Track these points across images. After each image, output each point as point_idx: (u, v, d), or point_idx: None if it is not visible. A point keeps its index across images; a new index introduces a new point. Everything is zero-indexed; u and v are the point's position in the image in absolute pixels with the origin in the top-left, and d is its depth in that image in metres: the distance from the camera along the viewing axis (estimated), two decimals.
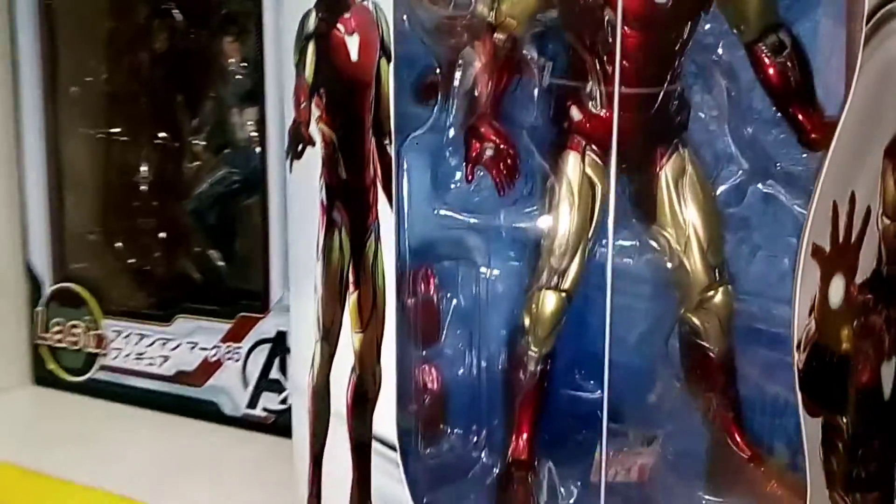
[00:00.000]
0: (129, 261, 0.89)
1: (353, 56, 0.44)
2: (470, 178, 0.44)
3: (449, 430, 0.48)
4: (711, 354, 0.47)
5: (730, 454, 0.47)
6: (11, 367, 0.93)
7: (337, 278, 0.46)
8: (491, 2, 0.45)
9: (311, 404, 0.50)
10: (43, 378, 0.93)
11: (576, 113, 0.45)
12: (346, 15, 0.44)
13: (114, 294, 0.88)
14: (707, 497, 0.48)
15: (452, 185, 0.45)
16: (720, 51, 0.47)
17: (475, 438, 0.48)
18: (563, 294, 0.46)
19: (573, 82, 0.45)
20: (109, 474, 0.67)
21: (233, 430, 0.78)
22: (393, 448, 0.43)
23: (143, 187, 0.90)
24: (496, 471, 0.47)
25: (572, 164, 0.45)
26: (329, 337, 0.47)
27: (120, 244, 0.90)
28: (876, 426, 0.45)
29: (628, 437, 0.48)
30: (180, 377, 0.83)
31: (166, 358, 0.84)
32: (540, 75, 0.46)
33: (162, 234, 0.88)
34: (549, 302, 0.45)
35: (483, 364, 0.48)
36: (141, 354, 0.86)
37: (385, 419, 0.43)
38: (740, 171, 0.47)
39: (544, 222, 0.45)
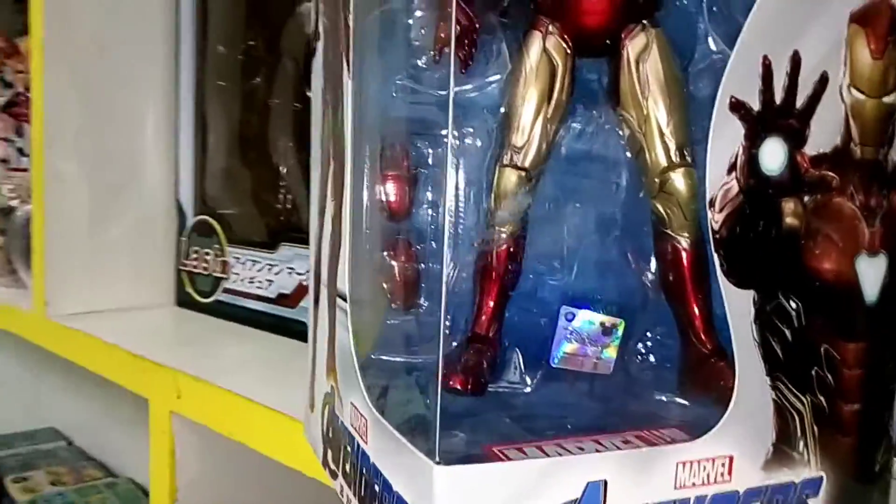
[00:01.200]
0: (251, 195, 1.00)
1: None
2: (437, 58, 0.47)
3: (421, 301, 0.50)
4: (679, 245, 0.45)
5: (696, 351, 0.46)
6: (160, 289, 1.08)
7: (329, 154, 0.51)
8: None
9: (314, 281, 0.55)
10: (183, 300, 1.07)
11: None
12: None
13: (236, 225, 1.00)
14: (669, 394, 0.46)
15: (419, 62, 0.48)
16: None
17: (445, 314, 0.50)
18: (523, 172, 0.47)
19: None
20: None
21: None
22: (345, 299, 0.46)
23: (270, 133, 1.01)
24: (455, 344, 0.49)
25: (534, 43, 0.46)
26: (323, 212, 0.52)
27: (246, 180, 1.01)
28: (851, 328, 0.41)
29: (592, 327, 0.48)
30: (281, 299, 0.92)
31: (271, 282, 0.93)
32: None
33: (282, 169, 0.97)
34: (508, 179, 0.47)
35: (457, 240, 0.50)
36: (252, 279, 0.96)
37: (343, 275, 0.47)
38: (715, 53, 0.45)
39: (505, 99, 0.47)
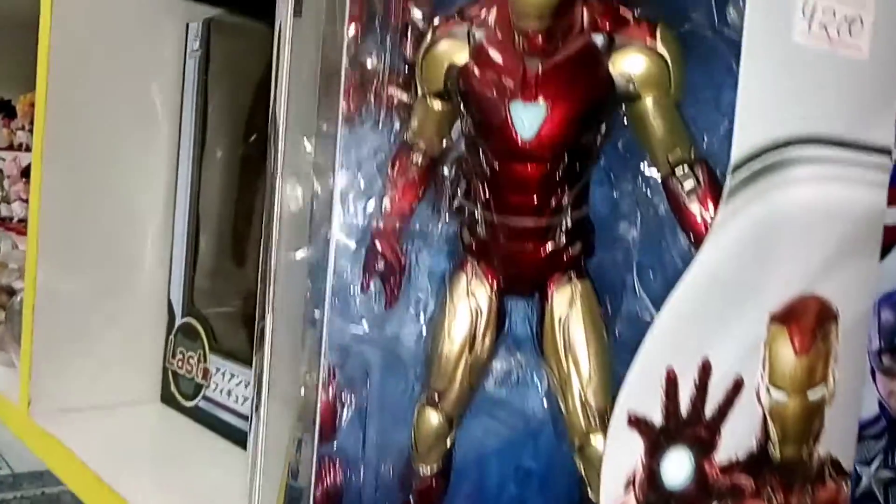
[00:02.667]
0: (234, 305, 1.00)
1: None
2: (366, 287, 0.46)
3: None
4: None
5: None
6: (147, 386, 1.09)
7: None
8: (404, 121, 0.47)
9: None
10: (167, 398, 1.07)
11: (466, 235, 0.45)
12: None
13: (220, 333, 1.00)
14: None
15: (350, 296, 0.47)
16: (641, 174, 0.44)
17: None
18: (443, 414, 0.45)
19: (468, 204, 0.45)
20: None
21: None
22: None
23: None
24: None
25: (460, 284, 0.45)
26: None
27: (233, 289, 1.01)
28: None
29: None
30: None
31: (247, 398, 0.93)
32: (450, 195, 0.47)
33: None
34: (429, 419, 0.45)
35: (381, 470, 0.49)
36: (230, 392, 0.96)
37: None
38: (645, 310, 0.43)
39: (430, 339, 0.46)
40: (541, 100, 0.39)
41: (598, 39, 0.40)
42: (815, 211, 0.37)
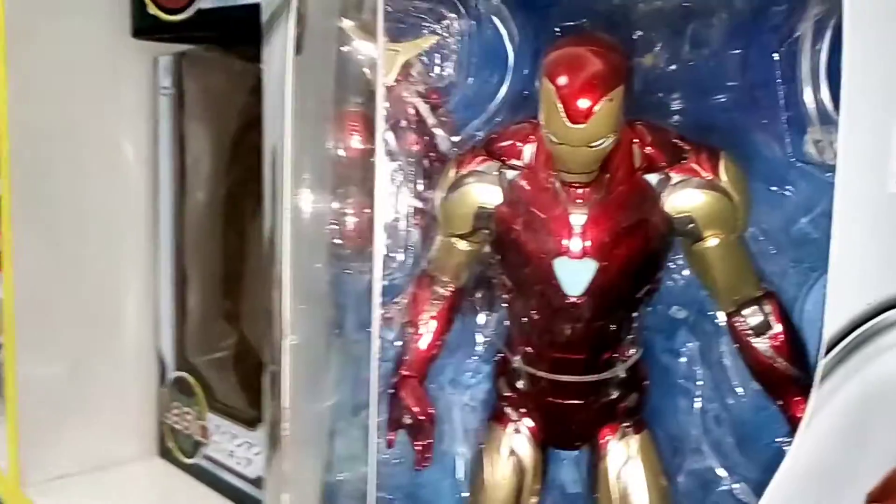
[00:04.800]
0: (232, 360, 0.95)
1: None
2: (390, 445, 0.41)
3: None
4: None
5: None
6: (142, 441, 1.04)
7: None
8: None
9: None
10: (165, 452, 1.03)
11: (504, 386, 0.40)
12: None
13: (217, 390, 0.95)
14: None
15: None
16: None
17: None
18: None
19: (507, 352, 0.40)
20: None
21: None
22: None
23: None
24: None
25: (499, 439, 0.40)
26: None
27: (227, 342, 0.96)
28: None
29: None
30: (261, 482, 0.87)
31: (250, 461, 0.88)
32: (481, 331, 0.42)
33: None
34: None
35: None
36: (232, 452, 0.91)
37: None
38: (707, 467, 0.39)
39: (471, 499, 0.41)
40: (589, 255, 0.34)
41: (653, 178, 0.35)
42: None
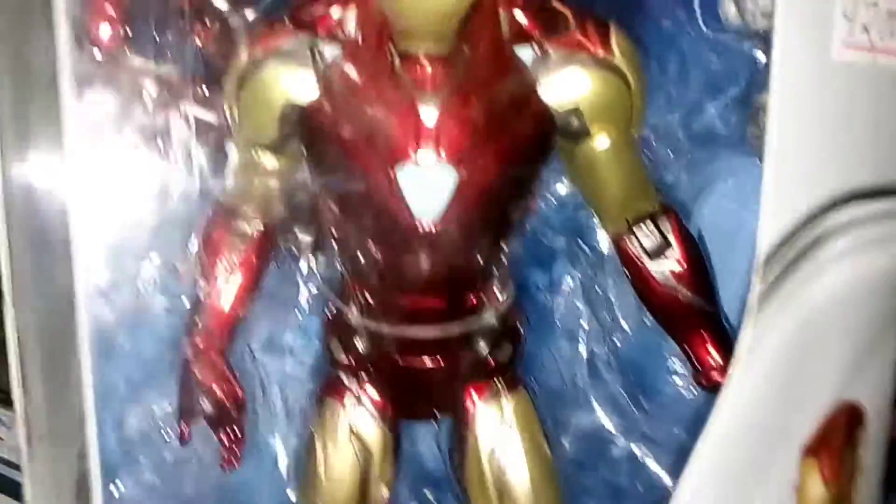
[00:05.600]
0: None
1: None
2: (184, 439, 0.30)
3: None
4: None
5: None
6: None
7: None
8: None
9: None
10: None
11: (338, 350, 0.30)
12: None
13: None
14: None
15: (165, 443, 0.31)
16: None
17: None
18: None
19: (340, 306, 0.30)
20: None
21: None
22: None
23: None
24: None
25: (335, 419, 0.30)
26: None
27: None
28: None
29: None
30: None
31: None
32: (304, 279, 0.31)
33: None
34: None
35: None
36: None
37: None
38: (598, 426, 0.31)
39: (301, 498, 0.31)
40: (446, 162, 0.25)
41: (525, 53, 0.25)
42: (852, 296, 0.26)
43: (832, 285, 0.25)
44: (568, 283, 0.32)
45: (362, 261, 0.27)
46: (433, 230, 0.25)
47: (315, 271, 0.30)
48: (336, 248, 0.28)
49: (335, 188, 0.26)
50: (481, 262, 0.27)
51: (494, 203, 0.26)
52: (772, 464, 0.25)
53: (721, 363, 0.28)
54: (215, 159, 0.30)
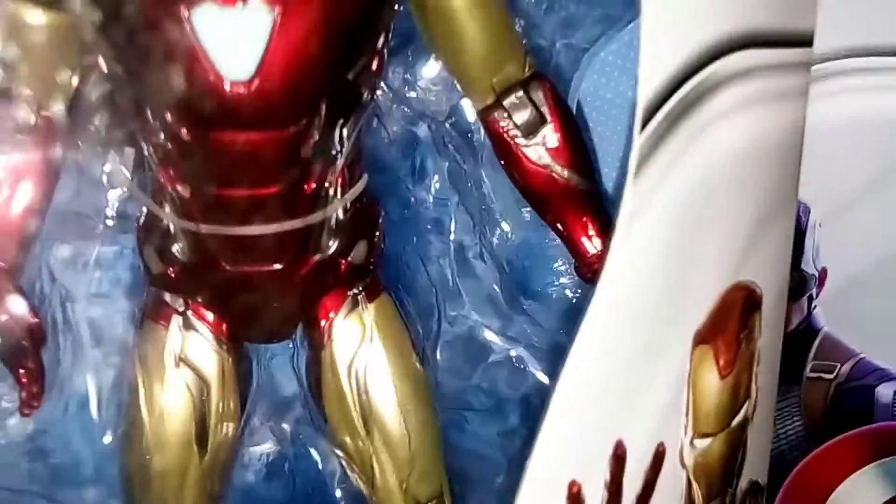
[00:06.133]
0: None
1: None
2: None
3: None
4: None
5: None
6: None
7: None
8: None
9: None
10: None
11: (155, 261, 0.25)
12: None
13: None
14: None
15: None
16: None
17: None
18: None
19: (145, 201, 0.24)
20: None
21: None
22: None
23: None
24: None
25: (159, 347, 0.25)
26: None
27: None
28: None
29: None
30: None
31: None
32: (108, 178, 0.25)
33: None
34: None
35: None
36: None
37: None
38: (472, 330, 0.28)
39: (125, 454, 0.26)
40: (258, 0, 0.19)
41: None
42: (744, 157, 0.23)
43: (722, 143, 0.22)
44: (435, 172, 0.27)
45: (168, 143, 0.22)
46: (245, 92, 0.20)
47: (120, 166, 0.25)
48: (137, 130, 0.23)
49: (118, 45, 0.20)
50: (317, 137, 0.22)
51: (324, 56, 0.21)
52: (661, 354, 0.22)
53: (602, 250, 0.25)
54: None
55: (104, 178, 0.25)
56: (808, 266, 0.34)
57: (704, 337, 0.24)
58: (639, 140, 0.19)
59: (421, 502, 0.27)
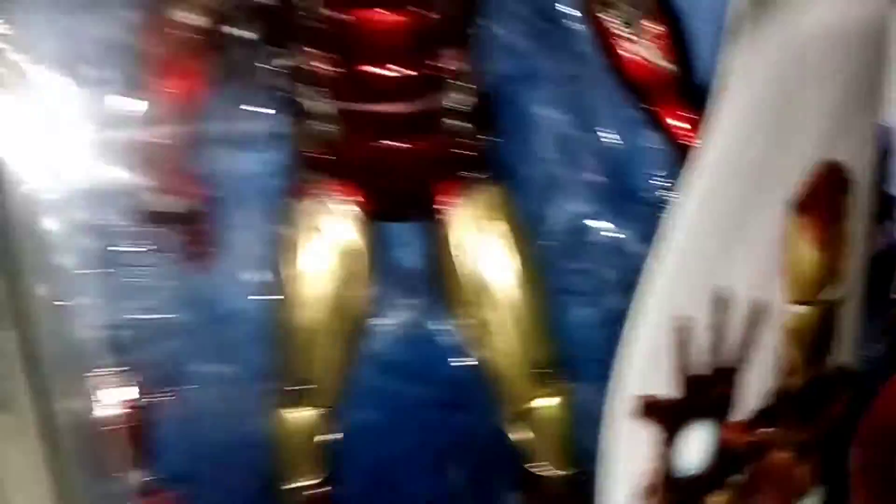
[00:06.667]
0: None
1: None
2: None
3: None
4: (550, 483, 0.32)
5: None
6: None
7: None
8: None
9: None
10: None
11: (303, 140, 0.28)
12: None
13: None
14: None
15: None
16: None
17: None
18: (314, 409, 0.30)
19: (299, 89, 0.28)
20: None
21: None
22: None
23: None
24: None
25: (307, 219, 0.29)
26: None
27: None
28: None
29: None
30: None
31: None
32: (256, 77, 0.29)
33: None
34: (295, 422, 0.31)
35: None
36: None
37: None
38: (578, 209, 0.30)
39: (277, 311, 0.30)
40: None
41: None
42: (842, 36, 0.25)
43: (822, 18, 0.24)
44: (540, 71, 0.30)
45: (310, 21, 0.25)
46: None
47: (270, 55, 0.28)
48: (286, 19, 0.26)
49: None
50: (448, 24, 0.25)
51: None
52: (757, 217, 0.24)
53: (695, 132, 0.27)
54: None
55: (255, 64, 0.29)
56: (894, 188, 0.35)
57: (799, 207, 0.26)
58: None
59: (531, 365, 0.30)
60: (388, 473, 0.33)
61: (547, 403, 0.30)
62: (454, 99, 0.27)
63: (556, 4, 0.29)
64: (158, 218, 0.27)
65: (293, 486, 0.32)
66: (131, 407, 0.31)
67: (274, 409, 0.30)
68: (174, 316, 0.29)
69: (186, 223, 0.28)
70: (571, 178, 0.30)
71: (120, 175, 0.27)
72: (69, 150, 0.27)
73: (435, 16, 0.25)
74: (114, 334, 0.29)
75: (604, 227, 0.30)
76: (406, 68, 0.26)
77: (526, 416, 0.30)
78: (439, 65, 0.26)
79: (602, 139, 0.31)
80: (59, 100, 0.27)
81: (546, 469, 0.31)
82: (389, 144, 0.27)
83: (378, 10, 0.24)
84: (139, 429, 0.32)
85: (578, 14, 0.28)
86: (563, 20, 0.29)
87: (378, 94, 0.26)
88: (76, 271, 0.28)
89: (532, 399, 0.30)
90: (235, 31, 0.28)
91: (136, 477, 0.32)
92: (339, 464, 0.32)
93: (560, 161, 0.30)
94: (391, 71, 0.26)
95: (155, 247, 0.28)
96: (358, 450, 0.32)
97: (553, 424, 0.30)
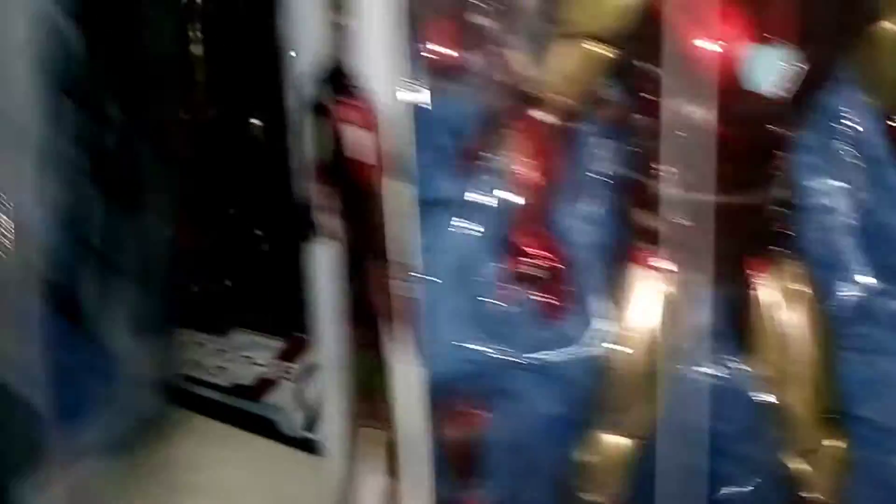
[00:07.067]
0: None
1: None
2: (509, 302, 0.35)
3: None
4: None
5: None
6: None
7: None
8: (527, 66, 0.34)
9: None
10: None
11: (637, 216, 0.34)
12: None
13: None
14: None
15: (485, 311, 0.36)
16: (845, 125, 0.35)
17: None
18: (628, 435, 0.37)
19: (636, 176, 0.34)
20: None
21: None
22: None
23: None
24: None
25: (635, 280, 0.35)
26: None
27: None
28: None
29: None
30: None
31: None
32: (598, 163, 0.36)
33: None
34: (610, 446, 0.37)
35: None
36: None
37: None
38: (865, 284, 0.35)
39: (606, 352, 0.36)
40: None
41: None
42: None
43: None
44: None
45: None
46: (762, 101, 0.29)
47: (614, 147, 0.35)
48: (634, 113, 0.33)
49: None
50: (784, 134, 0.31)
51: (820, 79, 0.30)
52: None
53: None
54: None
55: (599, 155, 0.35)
56: None
57: None
58: None
59: (822, 412, 0.35)
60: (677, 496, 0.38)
61: (834, 444, 0.35)
62: (777, 191, 0.33)
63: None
64: (526, 278, 0.34)
65: (592, 499, 0.38)
66: (474, 429, 0.38)
67: (593, 434, 0.37)
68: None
69: (545, 282, 0.34)
70: (860, 257, 0.36)
71: None
72: None
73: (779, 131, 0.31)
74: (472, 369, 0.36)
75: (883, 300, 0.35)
76: (753, 168, 0.32)
77: (812, 453, 0.36)
78: (772, 164, 0.32)
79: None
80: None
81: (819, 500, 0.36)
82: (717, 227, 0.33)
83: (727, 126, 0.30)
84: (478, 448, 0.39)
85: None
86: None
87: (724, 187, 0.32)
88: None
89: (820, 439, 0.35)
90: (584, 127, 0.35)
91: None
92: (638, 486, 0.37)
93: (850, 243, 0.35)
94: (740, 169, 0.32)
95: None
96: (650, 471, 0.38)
97: (835, 464, 0.36)
